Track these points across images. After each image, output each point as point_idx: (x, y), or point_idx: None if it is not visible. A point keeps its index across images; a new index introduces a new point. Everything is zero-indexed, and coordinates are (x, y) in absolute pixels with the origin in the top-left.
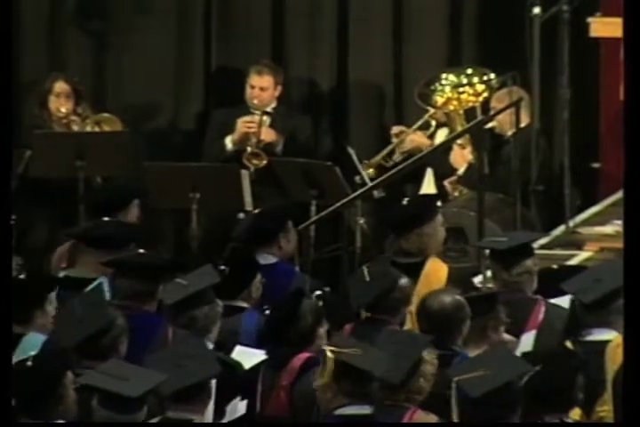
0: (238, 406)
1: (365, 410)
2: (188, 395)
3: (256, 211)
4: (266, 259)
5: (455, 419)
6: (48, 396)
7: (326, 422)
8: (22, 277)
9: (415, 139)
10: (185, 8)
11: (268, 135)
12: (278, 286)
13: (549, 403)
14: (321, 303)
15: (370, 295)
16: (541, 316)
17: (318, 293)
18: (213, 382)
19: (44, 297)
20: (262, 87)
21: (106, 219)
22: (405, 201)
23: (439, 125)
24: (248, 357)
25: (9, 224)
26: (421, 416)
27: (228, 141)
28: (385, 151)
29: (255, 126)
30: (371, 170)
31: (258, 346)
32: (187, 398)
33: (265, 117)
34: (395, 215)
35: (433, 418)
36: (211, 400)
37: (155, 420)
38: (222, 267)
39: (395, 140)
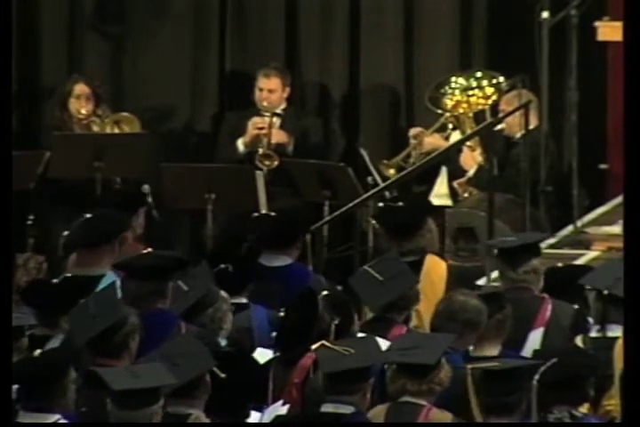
0: (279, 411)
1: (345, 409)
2: (187, 391)
3: (273, 213)
4: (283, 260)
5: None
6: (52, 387)
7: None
8: (55, 281)
9: (432, 141)
10: (200, 12)
11: (278, 136)
12: (296, 286)
13: (560, 395)
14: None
15: (392, 295)
16: (548, 313)
17: (325, 293)
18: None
19: (72, 302)
20: (270, 89)
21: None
22: (400, 208)
23: (454, 128)
24: (258, 356)
25: (9, 225)
26: (437, 414)
27: (240, 143)
28: (404, 152)
29: (265, 128)
30: (392, 171)
31: (271, 345)
32: (185, 394)
33: (275, 119)
34: (394, 223)
35: (448, 416)
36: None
37: (157, 417)
38: (223, 265)
39: (412, 141)
